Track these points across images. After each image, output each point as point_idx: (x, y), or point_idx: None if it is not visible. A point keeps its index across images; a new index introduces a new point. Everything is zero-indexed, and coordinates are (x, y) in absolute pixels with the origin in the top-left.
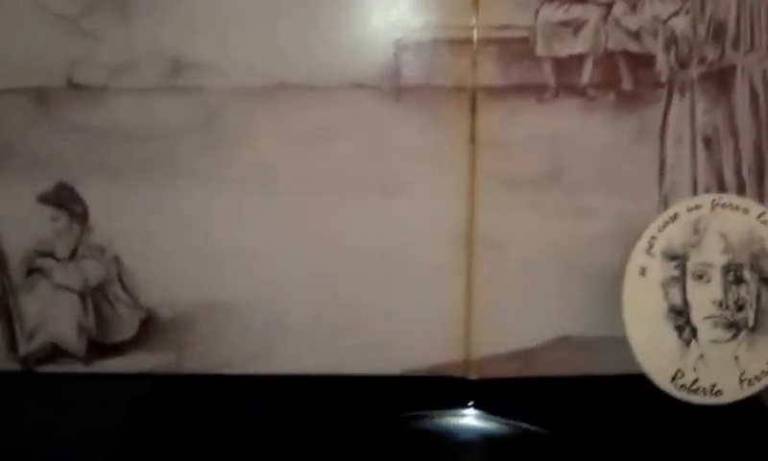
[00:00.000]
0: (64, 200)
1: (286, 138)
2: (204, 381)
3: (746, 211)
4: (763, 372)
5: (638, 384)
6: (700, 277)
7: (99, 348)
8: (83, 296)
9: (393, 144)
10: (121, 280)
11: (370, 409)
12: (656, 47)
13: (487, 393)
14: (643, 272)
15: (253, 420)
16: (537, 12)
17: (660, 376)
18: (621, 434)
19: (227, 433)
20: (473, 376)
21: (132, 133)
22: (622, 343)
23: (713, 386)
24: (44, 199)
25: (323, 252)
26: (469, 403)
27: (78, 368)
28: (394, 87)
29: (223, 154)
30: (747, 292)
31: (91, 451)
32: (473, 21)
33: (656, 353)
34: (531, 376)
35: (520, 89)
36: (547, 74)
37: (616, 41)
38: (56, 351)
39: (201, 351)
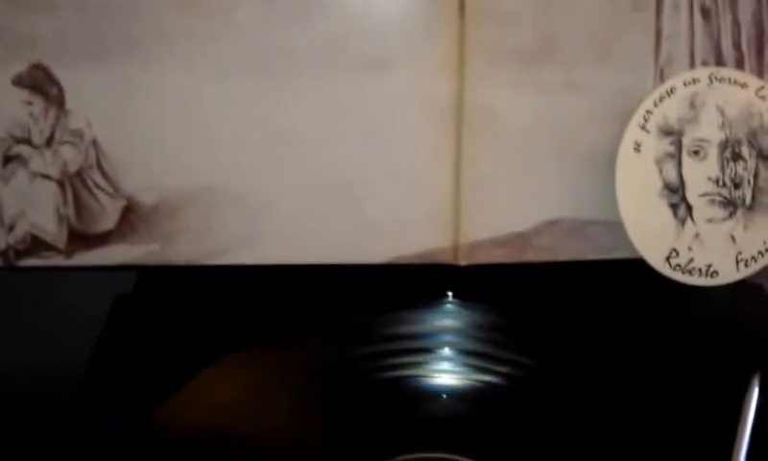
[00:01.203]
0: (39, 82)
1: (268, 16)
2: (190, 272)
3: (744, 86)
4: (760, 252)
5: (632, 270)
6: (696, 153)
7: (80, 238)
8: (61, 184)
9: (377, 17)
10: (100, 167)
11: (355, 299)
12: None
13: (476, 280)
14: (638, 147)
15: (241, 310)
16: None
17: (654, 256)
18: (613, 321)
19: (213, 325)
20: (462, 263)
21: (110, 10)
22: (616, 226)
23: (709, 266)
24: (18, 81)
25: (307, 133)
26: (455, 291)
27: (59, 261)
28: None
29: (205, 33)
30: (744, 169)
31: (76, 346)
32: None
33: (650, 232)
34: (522, 261)
35: None
36: None
37: None
38: (36, 244)
39: (185, 240)
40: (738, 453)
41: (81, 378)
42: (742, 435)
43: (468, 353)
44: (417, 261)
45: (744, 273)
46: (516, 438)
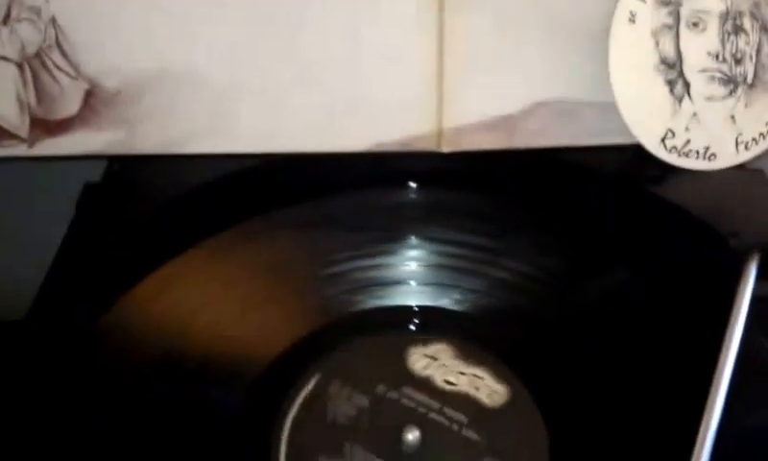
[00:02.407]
0: None
1: None
2: (158, 161)
3: None
4: (761, 134)
5: (625, 157)
6: (695, 25)
7: (42, 126)
8: (20, 66)
9: None
10: (60, 47)
11: (335, 188)
12: None
13: (461, 167)
14: (633, 18)
15: (214, 201)
16: None
17: (649, 137)
18: (604, 210)
19: (182, 214)
20: (446, 150)
21: None
22: (610, 108)
23: (707, 149)
24: None
25: (281, 11)
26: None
27: (22, 151)
28: None
29: None
30: (746, 43)
31: (42, 241)
32: None
33: (644, 111)
34: (509, 147)
35: None
36: None
37: None
38: None
39: (151, 127)
40: (733, 333)
41: (47, 270)
42: (737, 316)
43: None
44: (398, 149)
45: (744, 156)
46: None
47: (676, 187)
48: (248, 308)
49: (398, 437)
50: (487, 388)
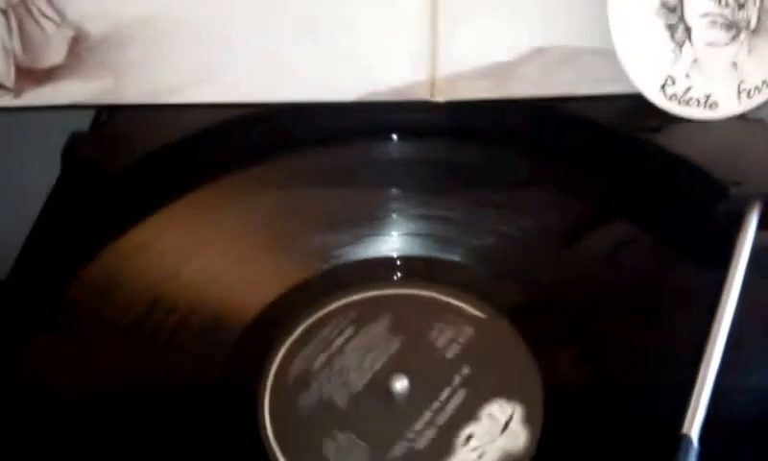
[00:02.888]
0: None
1: None
2: (146, 111)
3: None
4: (764, 81)
5: (625, 106)
6: None
7: (28, 75)
8: (5, 13)
9: None
10: None
11: (324, 140)
12: None
13: (455, 116)
14: None
15: (201, 152)
16: None
17: (648, 85)
18: (602, 162)
19: (172, 163)
20: (440, 99)
21: None
22: (610, 55)
23: (708, 97)
24: None
25: None
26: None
27: (7, 101)
28: None
29: None
30: None
31: (29, 192)
32: None
33: (644, 57)
34: (505, 97)
35: None
36: None
37: None
38: None
39: (139, 75)
40: (732, 282)
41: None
42: (738, 264)
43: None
44: (391, 98)
45: (746, 105)
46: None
47: (676, 138)
48: (233, 261)
49: (386, 383)
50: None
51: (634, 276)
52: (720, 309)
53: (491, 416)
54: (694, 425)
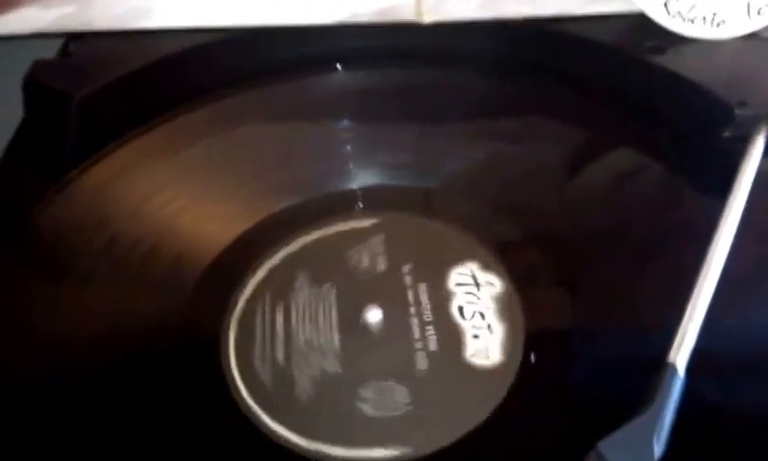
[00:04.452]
0: None
1: None
2: (113, 38)
3: None
4: None
5: (624, 26)
6: None
7: None
8: None
9: None
10: None
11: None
12: None
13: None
14: None
15: (170, 81)
16: None
17: (651, 1)
18: (601, 85)
19: (141, 89)
20: (426, 20)
21: None
22: None
23: (714, 15)
24: None
25: None
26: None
27: None
28: None
29: None
30: None
31: None
32: None
33: None
34: (497, 17)
35: None
36: None
37: None
38: None
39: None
40: (733, 205)
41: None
42: (742, 186)
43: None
44: (375, 19)
45: (756, 23)
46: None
47: (680, 59)
48: (199, 196)
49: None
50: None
51: (632, 205)
52: (717, 235)
53: (460, 284)
54: (680, 355)
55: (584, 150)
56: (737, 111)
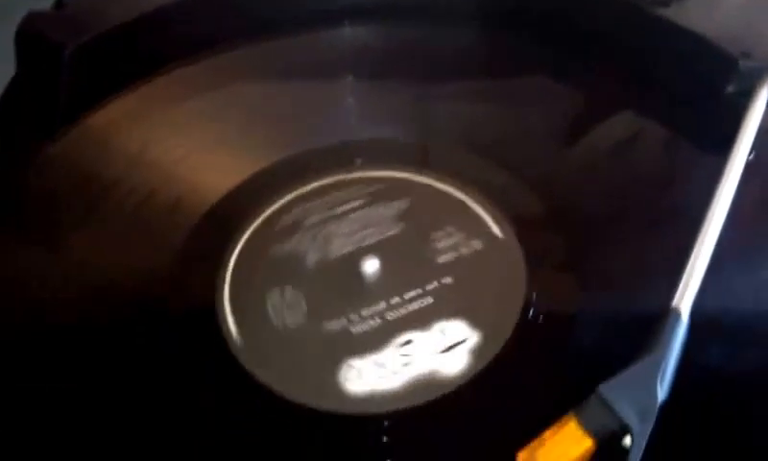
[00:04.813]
0: None
1: None
2: None
3: None
4: None
5: None
6: None
7: None
8: None
9: None
10: None
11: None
12: None
13: None
14: None
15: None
16: None
17: None
18: (603, 39)
19: (133, 50)
20: None
21: None
22: None
23: None
24: None
25: None
26: None
27: None
28: None
29: None
30: None
31: None
32: None
33: None
34: None
35: None
36: None
37: None
38: None
39: None
40: (737, 155)
41: None
42: (745, 137)
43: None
44: None
45: None
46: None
47: (683, 12)
48: (198, 145)
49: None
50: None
51: (635, 162)
52: (721, 184)
53: (442, 332)
54: (684, 300)
55: (585, 107)
56: (741, 63)
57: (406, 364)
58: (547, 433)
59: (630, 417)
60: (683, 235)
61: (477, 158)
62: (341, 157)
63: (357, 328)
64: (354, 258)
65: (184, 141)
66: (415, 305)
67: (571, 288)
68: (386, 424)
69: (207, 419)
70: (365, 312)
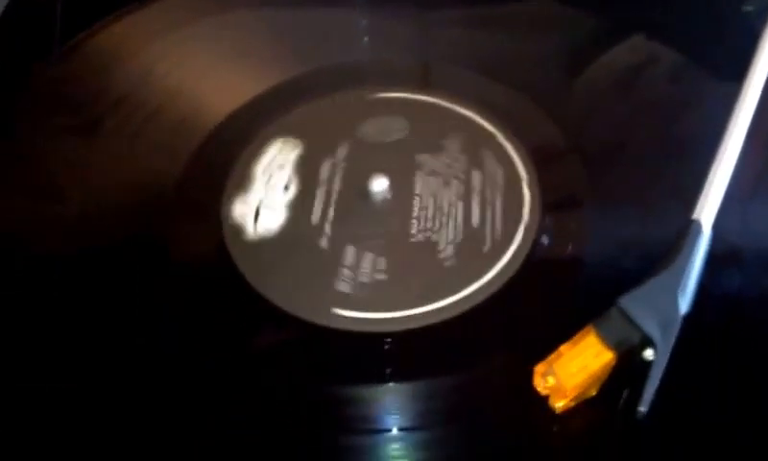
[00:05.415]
0: None
1: None
2: None
3: None
4: None
5: None
6: None
7: None
8: None
9: None
10: None
11: None
12: None
13: None
14: None
15: None
16: None
17: None
18: None
19: None
20: None
21: None
22: None
23: None
24: None
25: None
26: None
27: None
28: None
29: None
30: None
31: None
32: None
33: None
34: None
35: None
36: None
37: None
38: None
39: None
40: (754, 74)
41: None
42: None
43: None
44: None
45: None
46: None
47: None
48: (207, 64)
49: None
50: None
51: (649, 88)
52: (741, 98)
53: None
54: (705, 212)
55: (596, 30)
56: (744, 6)
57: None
58: (565, 346)
59: (652, 329)
60: (698, 163)
61: (483, 79)
62: (348, 76)
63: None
64: (362, 178)
65: (186, 62)
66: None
67: (586, 211)
68: (388, 342)
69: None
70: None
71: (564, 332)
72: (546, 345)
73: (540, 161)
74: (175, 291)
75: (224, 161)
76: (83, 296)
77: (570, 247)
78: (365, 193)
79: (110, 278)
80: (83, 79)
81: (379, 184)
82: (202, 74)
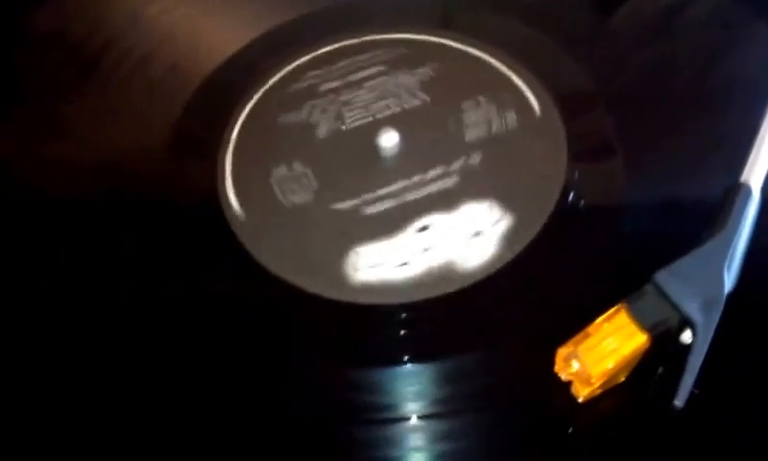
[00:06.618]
0: None
1: None
2: None
3: None
4: None
5: None
6: None
7: None
8: None
9: None
10: None
11: None
12: None
13: None
14: None
15: None
16: None
17: None
18: None
19: None
20: None
21: None
22: None
23: None
24: None
25: None
26: None
27: None
28: None
29: None
30: None
31: None
32: None
33: None
34: None
35: None
36: None
37: None
38: None
39: None
40: None
41: None
42: None
43: None
44: None
45: None
46: None
47: None
48: (196, 7)
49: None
50: None
51: (685, 32)
52: None
53: (468, 215)
54: (755, 174)
55: None
56: None
57: (426, 249)
58: (592, 326)
59: (692, 309)
60: (746, 116)
61: (513, 22)
62: (358, 17)
63: (370, 210)
64: (371, 131)
65: (180, 2)
66: (438, 186)
67: (617, 168)
68: (403, 315)
69: (209, 301)
70: (381, 191)
71: (591, 310)
72: (570, 325)
73: (568, 110)
74: (170, 237)
75: (220, 115)
76: (77, 237)
77: (600, 210)
78: (374, 149)
79: (104, 247)
80: (66, 27)
81: (389, 139)
82: (192, 17)
